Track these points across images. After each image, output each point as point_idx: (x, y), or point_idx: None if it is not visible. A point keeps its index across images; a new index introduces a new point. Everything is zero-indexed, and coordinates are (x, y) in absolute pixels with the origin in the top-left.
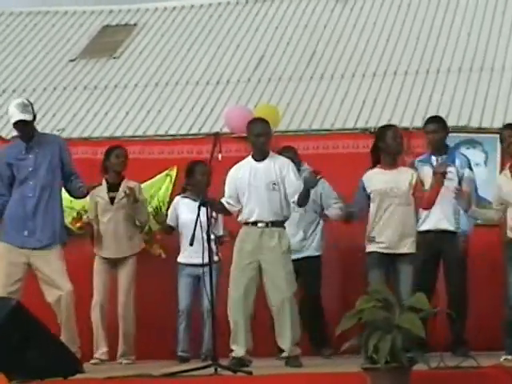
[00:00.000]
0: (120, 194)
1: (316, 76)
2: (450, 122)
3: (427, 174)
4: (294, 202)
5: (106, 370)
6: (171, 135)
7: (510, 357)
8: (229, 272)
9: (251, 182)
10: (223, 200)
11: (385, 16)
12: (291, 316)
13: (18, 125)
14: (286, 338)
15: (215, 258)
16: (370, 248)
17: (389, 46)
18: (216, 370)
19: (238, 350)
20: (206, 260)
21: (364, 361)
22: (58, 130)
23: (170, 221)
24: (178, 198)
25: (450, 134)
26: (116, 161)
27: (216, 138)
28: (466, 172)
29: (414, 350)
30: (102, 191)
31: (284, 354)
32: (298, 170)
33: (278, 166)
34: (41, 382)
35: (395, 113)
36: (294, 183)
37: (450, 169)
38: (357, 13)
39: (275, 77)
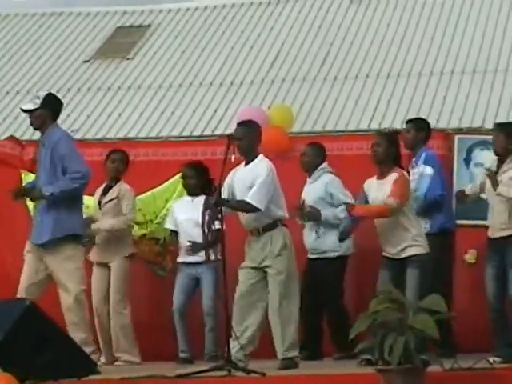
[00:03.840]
0: (109, 196)
1: (330, 77)
2: (464, 124)
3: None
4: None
5: (121, 371)
6: (185, 137)
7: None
8: (230, 272)
9: (238, 187)
10: None
11: (399, 17)
12: (281, 319)
13: (31, 112)
14: (277, 342)
15: (212, 257)
16: (382, 252)
17: (403, 48)
18: (229, 371)
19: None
20: (203, 258)
21: (375, 361)
22: (72, 131)
23: (170, 225)
24: (173, 204)
25: (464, 136)
26: (111, 165)
27: (230, 139)
28: (421, 168)
29: (428, 351)
30: (98, 193)
31: (279, 357)
32: (317, 166)
33: (255, 170)
34: (55, 382)
35: (409, 114)
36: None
37: (415, 170)
38: (371, 14)
39: (289, 78)
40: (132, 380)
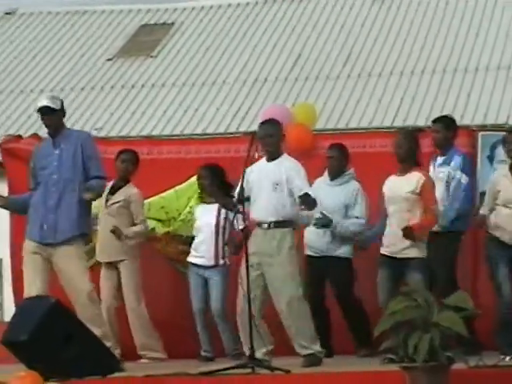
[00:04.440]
0: (115, 198)
1: (353, 75)
2: (489, 120)
3: (431, 173)
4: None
5: (145, 368)
6: (208, 134)
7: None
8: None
9: (259, 181)
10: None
11: (422, 14)
12: (293, 318)
13: (43, 112)
14: (295, 340)
15: (221, 262)
16: (381, 250)
17: (427, 45)
18: (253, 368)
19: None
20: (212, 263)
21: (401, 359)
22: (96, 129)
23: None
24: (195, 209)
25: (488, 133)
26: (120, 165)
27: (253, 137)
28: (458, 174)
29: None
30: (105, 191)
31: (301, 354)
32: (343, 172)
33: (284, 167)
34: (80, 380)
35: (433, 111)
36: (298, 186)
37: (443, 169)
38: (394, 11)
39: (312, 76)
40: (156, 377)
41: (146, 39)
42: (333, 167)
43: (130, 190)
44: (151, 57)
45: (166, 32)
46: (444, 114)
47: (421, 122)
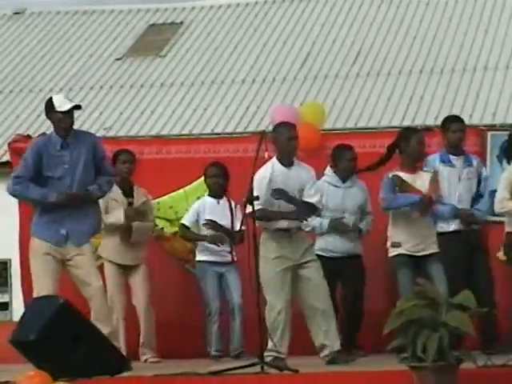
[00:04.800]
0: (138, 199)
1: (362, 73)
2: (498, 120)
3: (448, 174)
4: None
5: (153, 368)
6: (217, 134)
7: None
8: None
9: (285, 188)
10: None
11: (431, 14)
12: (330, 316)
13: (70, 113)
14: (330, 335)
15: (235, 258)
16: (396, 251)
17: (435, 44)
18: (262, 368)
19: (284, 350)
20: (229, 259)
21: (410, 359)
22: (105, 129)
23: (188, 222)
24: (197, 204)
25: (497, 132)
26: (122, 166)
27: (262, 136)
28: (484, 171)
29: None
30: (117, 195)
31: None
32: (353, 173)
33: (304, 173)
34: (89, 380)
35: (442, 110)
36: (306, 196)
37: (470, 169)
38: (403, 11)
39: (321, 74)
40: (165, 377)
41: (155, 39)
42: (353, 169)
43: (143, 190)
44: (160, 56)
45: (175, 31)
46: (452, 113)
47: (430, 122)
